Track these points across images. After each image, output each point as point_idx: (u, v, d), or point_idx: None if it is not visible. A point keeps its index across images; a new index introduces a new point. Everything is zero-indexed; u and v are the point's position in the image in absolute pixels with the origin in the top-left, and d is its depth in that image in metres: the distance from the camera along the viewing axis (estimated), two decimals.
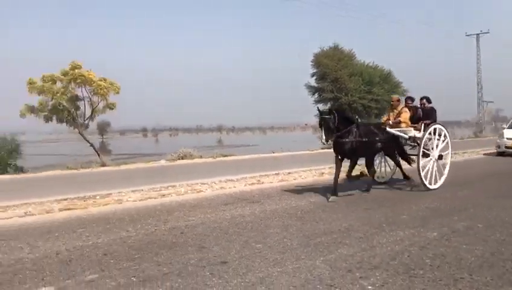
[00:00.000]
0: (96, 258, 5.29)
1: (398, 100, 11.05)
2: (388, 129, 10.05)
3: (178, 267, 4.86)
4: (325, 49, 28.98)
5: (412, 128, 10.33)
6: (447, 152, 10.85)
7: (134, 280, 4.50)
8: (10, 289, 4.32)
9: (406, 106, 10.75)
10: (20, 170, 16.69)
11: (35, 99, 18.62)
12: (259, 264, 4.94)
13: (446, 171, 10.81)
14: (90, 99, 19.18)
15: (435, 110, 10.94)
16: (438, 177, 10.42)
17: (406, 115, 10.43)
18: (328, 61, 27.86)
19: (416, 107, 10.97)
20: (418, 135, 10.27)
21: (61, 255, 5.42)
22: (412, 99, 11.21)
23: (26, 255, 5.48)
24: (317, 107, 10.67)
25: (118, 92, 19.38)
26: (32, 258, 5.34)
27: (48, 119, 19.31)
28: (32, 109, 18.54)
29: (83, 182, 11.87)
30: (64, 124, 19.55)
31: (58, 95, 18.16)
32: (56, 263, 5.10)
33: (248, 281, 4.39)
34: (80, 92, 19.04)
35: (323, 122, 8.89)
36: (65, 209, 8.19)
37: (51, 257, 5.37)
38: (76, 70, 18.20)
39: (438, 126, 10.45)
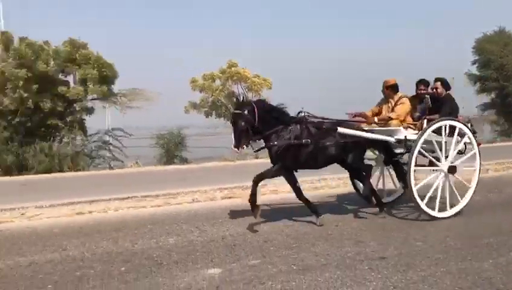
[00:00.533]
0: (258, 244, 5.60)
1: (393, 86, 7.35)
2: (342, 130, 6.67)
3: (335, 259, 4.91)
4: (488, 33, 26.38)
5: (402, 128, 6.98)
6: (465, 161, 7.06)
7: (294, 267, 4.66)
8: (185, 268, 4.80)
9: (417, 94, 7.50)
10: (184, 160, 18.30)
11: (197, 97, 20.41)
12: (420, 262, 4.75)
13: (469, 193, 7.05)
14: (245, 95, 20.32)
15: (452, 101, 7.25)
16: (455, 200, 6.87)
17: (403, 108, 7.14)
18: (493, 47, 25.31)
19: (423, 96, 7.38)
20: (412, 136, 6.81)
21: (226, 240, 5.86)
22: (426, 84, 7.51)
23: (196, 238, 6.04)
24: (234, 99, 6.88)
25: (270, 88, 20.29)
26: (201, 241, 5.86)
27: (207, 114, 21.03)
28: (194, 105, 20.39)
29: (240, 172, 12.60)
30: (222, 118, 21.07)
31: (217, 92, 19.67)
32: (222, 247, 5.52)
33: (409, 279, 4.25)
34: (236, 88, 20.33)
35: (233, 121, 6.35)
36: (226, 198, 8.83)
37: (217, 240, 5.84)
38: (233, 69, 19.49)
39: (450, 123, 6.70)
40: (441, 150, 6.68)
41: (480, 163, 7.11)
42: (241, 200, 8.60)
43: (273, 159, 6.54)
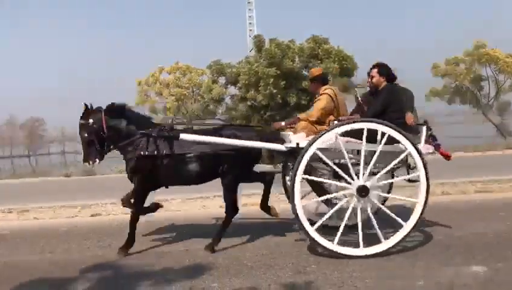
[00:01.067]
0: None
1: (317, 78, 5.86)
2: (185, 136, 5.26)
3: None
4: None
5: (291, 133, 5.45)
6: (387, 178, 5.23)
7: None
8: (445, 262, 4.61)
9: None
10: None
11: (439, 83, 19.35)
12: None
13: (410, 222, 4.86)
14: (496, 78, 18.36)
15: (389, 94, 5.17)
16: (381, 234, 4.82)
17: (317, 105, 5.57)
18: None
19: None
20: (302, 143, 4.97)
21: (487, 237, 5.41)
22: (381, 72, 5.29)
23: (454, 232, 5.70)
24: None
25: None
26: (459, 235, 5.53)
27: (450, 101, 19.73)
28: (436, 92, 19.37)
29: (491, 165, 11.46)
30: (467, 105, 19.50)
31: (461, 76, 18.24)
32: (483, 244, 5.11)
33: None
34: (484, 71, 18.50)
35: (80, 132, 5.42)
36: (480, 192, 8.17)
37: (479, 236, 5.42)
38: (480, 50, 17.76)
39: (368, 125, 4.76)
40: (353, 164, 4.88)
41: (426, 186, 4.86)
42: (498, 195, 7.86)
43: (128, 174, 5.64)
